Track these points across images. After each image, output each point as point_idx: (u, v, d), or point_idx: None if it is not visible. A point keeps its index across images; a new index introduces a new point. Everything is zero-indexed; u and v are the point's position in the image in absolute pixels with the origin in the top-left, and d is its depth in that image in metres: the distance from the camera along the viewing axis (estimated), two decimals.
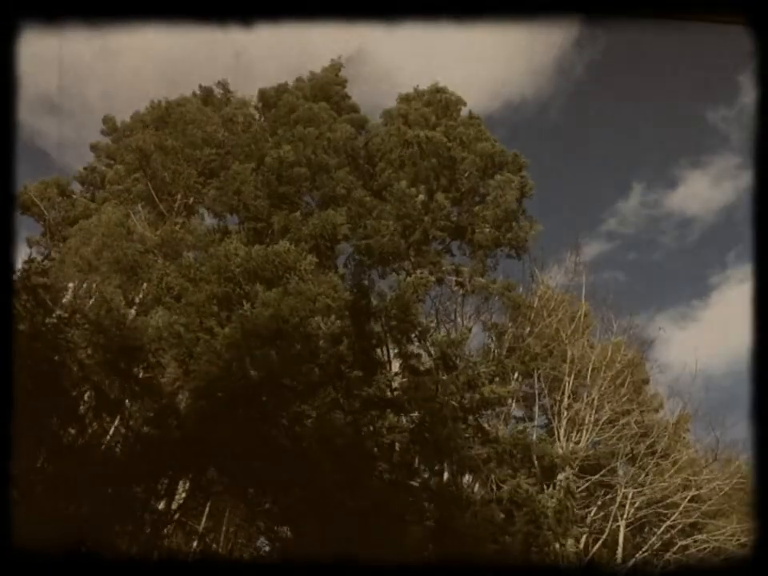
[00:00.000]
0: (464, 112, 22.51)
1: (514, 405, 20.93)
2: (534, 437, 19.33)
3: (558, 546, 16.55)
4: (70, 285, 18.73)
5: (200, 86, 23.97)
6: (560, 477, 18.08)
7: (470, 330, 20.35)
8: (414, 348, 19.10)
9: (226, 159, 21.23)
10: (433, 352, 18.82)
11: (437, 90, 22.48)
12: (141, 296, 18.88)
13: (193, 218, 21.74)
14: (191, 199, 21.65)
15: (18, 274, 12.21)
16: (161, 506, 15.96)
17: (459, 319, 20.73)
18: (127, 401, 15.52)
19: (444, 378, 18.10)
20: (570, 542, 17.10)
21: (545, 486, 17.60)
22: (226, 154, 21.42)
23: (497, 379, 18.89)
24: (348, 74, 23.41)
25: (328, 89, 22.58)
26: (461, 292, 20.68)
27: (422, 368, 18.79)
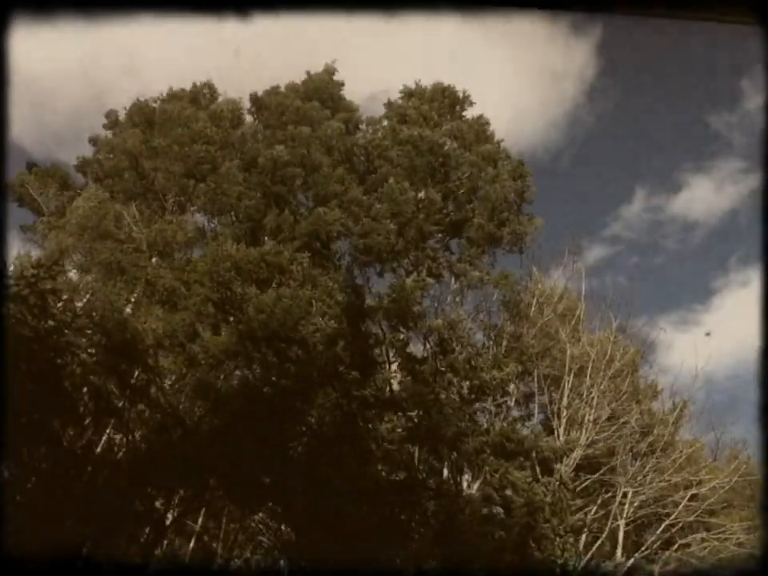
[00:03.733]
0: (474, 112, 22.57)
1: (512, 401, 20.82)
2: (529, 431, 19.24)
3: (556, 539, 16.51)
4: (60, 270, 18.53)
5: (194, 84, 24.06)
6: (556, 466, 17.98)
7: (460, 307, 20.32)
8: (411, 340, 19.16)
9: (216, 156, 21.26)
10: (431, 339, 18.82)
11: (443, 89, 22.44)
12: (134, 295, 18.82)
13: (184, 217, 21.75)
14: (183, 198, 21.66)
15: (28, 278, 12.09)
16: (160, 506, 15.94)
17: (457, 315, 20.61)
18: (126, 403, 15.46)
19: (442, 368, 18.09)
20: (569, 536, 17.04)
21: (540, 478, 17.52)
22: (216, 150, 21.46)
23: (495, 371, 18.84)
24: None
25: (323, 91, 22.57)
26: (457, 285, 20.62)
27: (419, 356, 18.82)
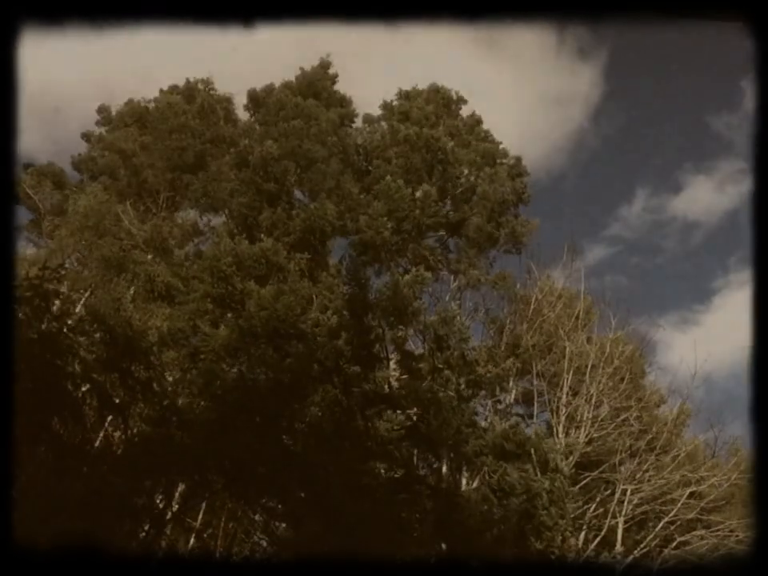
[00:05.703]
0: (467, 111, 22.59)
1: (511, 398, 20.84)
2: (531, 431, 19.22)
3: (556, 524, 16.44)
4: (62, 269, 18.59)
5: (187, 80, 24.16)
6: (551, 455, 17.89)
7: (459, 307, 20.26)
8: (410, 337, 19.16)
9: (206, 152, 21.31)
10: (427, 336, 18.83)
11: (437, 89, 22.49)
12: (130, 292, 18.86)
13: (177, 214, 21.87)
14: (176, 195, 21.74)
15: (32, 279, 12.06)
16: (160, 503, 15.97)
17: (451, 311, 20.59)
18: (126, 398, 15.48)
19: (439, 365, 18.09)
20: (568, 523, 16.99)
21: (538, 474, 17.51)
22: (205, 144, 21.51)
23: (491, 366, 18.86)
24: None
25: (317, 85, 22.57)
26: (456, 284, 20.60)
27: (416, 352, 18.82)
